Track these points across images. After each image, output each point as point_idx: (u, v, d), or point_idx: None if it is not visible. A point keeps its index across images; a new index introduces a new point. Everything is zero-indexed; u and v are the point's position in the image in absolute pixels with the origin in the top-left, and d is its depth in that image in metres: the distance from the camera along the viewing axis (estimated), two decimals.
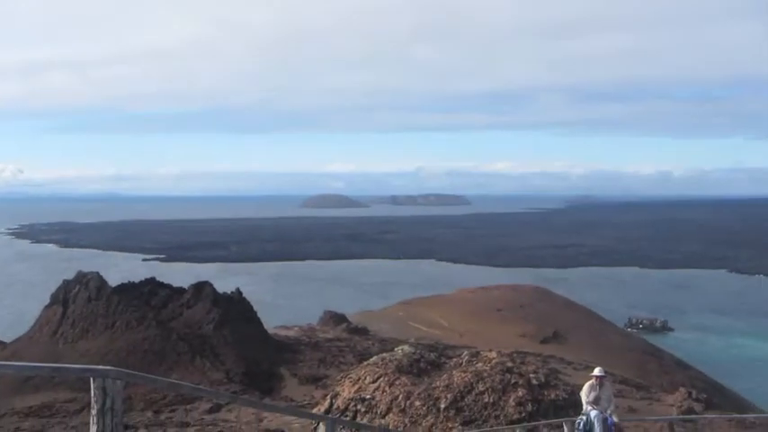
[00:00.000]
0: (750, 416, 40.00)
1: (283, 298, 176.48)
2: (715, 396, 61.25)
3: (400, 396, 24.39)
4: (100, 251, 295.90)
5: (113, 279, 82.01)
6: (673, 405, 41.64)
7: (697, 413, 37.89)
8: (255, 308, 75.55)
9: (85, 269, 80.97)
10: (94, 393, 6.88)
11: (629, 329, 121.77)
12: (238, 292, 76.43)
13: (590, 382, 20.28)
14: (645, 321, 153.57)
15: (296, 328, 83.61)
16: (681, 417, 31.95)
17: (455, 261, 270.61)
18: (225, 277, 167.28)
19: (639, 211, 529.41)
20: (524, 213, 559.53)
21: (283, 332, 79.38)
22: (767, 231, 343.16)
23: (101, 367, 6.99)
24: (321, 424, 7.41)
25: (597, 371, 20.64)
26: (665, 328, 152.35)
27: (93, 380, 6.88)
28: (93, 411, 6.91)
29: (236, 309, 72.19)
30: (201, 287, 74.65)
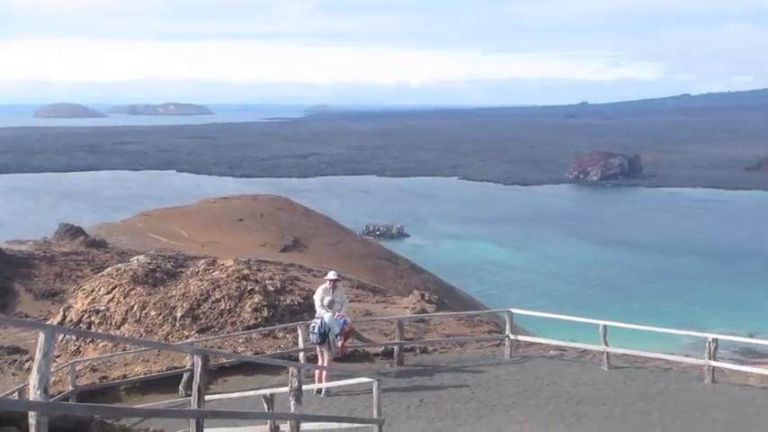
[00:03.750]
0: (475, 312, 42.45)
1: (16, 212, 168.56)
2: (447, 298, 64.39)
3: (135, 306, 24.23)
4: None
5: None
6: (407, 307, 43.48)
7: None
8: None
9: None
10: None
11: (366, 236, 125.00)
12: None
13: (323, 285, 20.95)
14: (382, 228, 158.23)
15: (30, 243, 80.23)
16: (411, 316, 33.53)
17: (197, 172, 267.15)
18: None
19: (377, 120, 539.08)
20: (266, 123, 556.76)
21: (16, 247, 76.00)
22: (497, 140, 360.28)
23: None
24: (41, 333, 7.25)
25: (331, 275, 21.34)
26: (401, 234, 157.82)
27: None
28: None
29: None
30: None
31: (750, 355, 66.69)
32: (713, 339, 22.28)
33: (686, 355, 26.79)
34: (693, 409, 19.33)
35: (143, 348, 21.37)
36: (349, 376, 18.14)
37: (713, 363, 22.17)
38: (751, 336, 72.94)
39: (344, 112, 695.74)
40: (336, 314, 20.08)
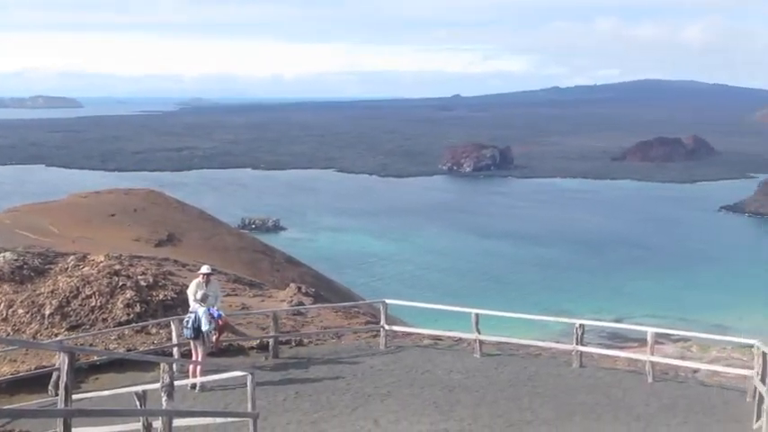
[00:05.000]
0: (351, 304, 42.62)
1: None
2: (324, 290, 64.39)
3: (2, 305, 23.50)
4: None
5: None
6: (284, 300, 43.37)
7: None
8: None
9: None
10: None
11: (242, 230, 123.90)
12: None
13: (197, 279, 20.83)
14: (257, 221, 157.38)
15: None
16: (287, 309, 33.50)
17: (67, 166, 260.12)
18: None
19: (252, 113, 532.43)
20: (138, 116, 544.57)
21: None
22: (372, 133, 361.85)
23: None
24: None
25: (204, 269, 21.26)
26: (277, 228, 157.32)
27: None
28: None
29: None
30: None
31: (617, 339, 68.95)
32: (580, 325, 23.00)
33: (556, 342, 27.61)
34: (562, 393, 19.94)
35: (10, 348, 20.79)
36: (224, 371, 18.08)
37: (581, 348, 22.89)
38: (618, 321, 75.50)
39: (218, 106, 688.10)
40: (211, 308, 20.00)
